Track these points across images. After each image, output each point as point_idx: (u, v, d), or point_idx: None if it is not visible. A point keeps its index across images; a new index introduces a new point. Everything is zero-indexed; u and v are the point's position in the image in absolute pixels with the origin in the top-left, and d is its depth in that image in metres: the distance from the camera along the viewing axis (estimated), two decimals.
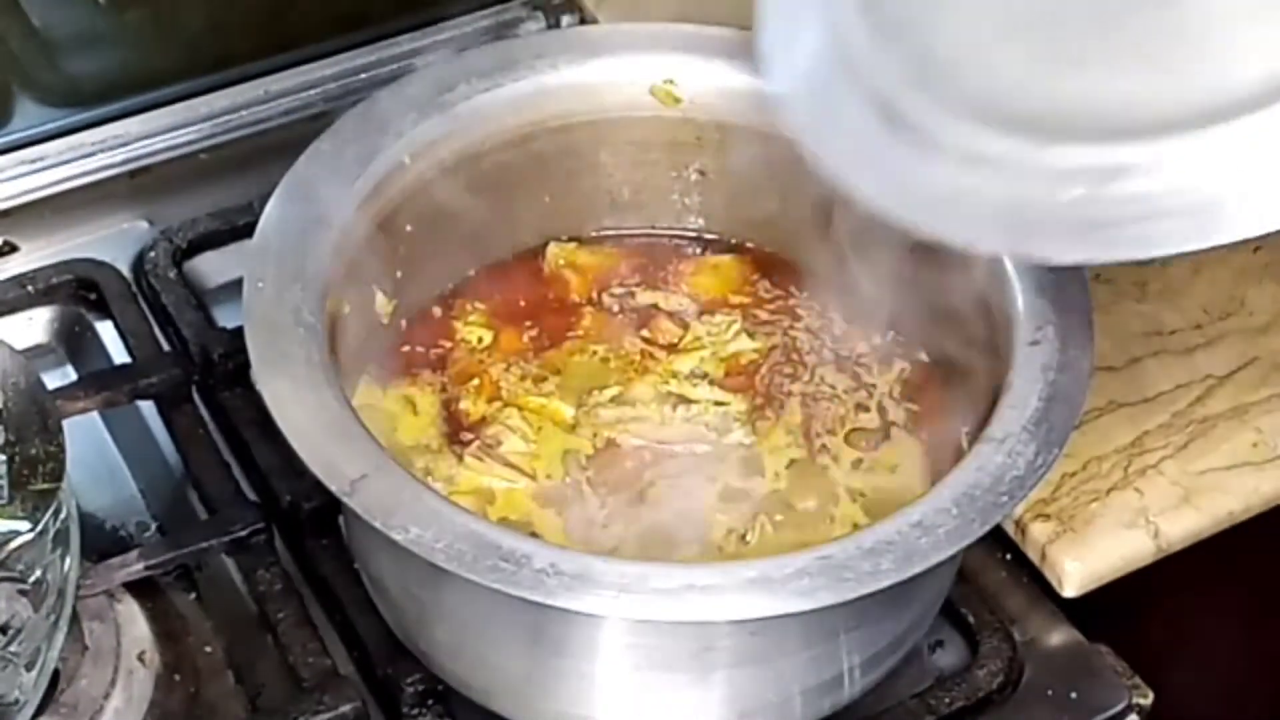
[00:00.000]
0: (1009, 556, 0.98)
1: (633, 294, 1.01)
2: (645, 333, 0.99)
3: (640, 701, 0.86)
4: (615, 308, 1.01)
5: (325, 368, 0.84)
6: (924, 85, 0.80)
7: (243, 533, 0.94)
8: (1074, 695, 0.93)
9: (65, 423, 0.96)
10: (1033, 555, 0.96)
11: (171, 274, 1.08)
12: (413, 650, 0.90)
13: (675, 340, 0.99)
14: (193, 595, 0.96)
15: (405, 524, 0.78)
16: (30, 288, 1.07)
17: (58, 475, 0.84)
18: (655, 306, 1.01)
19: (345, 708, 0.88)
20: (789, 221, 1.01)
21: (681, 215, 1.04)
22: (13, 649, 0.84)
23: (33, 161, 1.13)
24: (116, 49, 1.19)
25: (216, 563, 0.96)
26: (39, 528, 0.83)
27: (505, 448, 0.93)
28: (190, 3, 1.18)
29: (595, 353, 0.98)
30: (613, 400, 0.95)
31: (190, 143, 1.16)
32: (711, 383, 0.96)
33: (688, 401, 0.95)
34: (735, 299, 1.01)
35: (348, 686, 0.89)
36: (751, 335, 0.99)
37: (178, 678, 0.92)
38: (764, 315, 1.00)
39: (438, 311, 1.00)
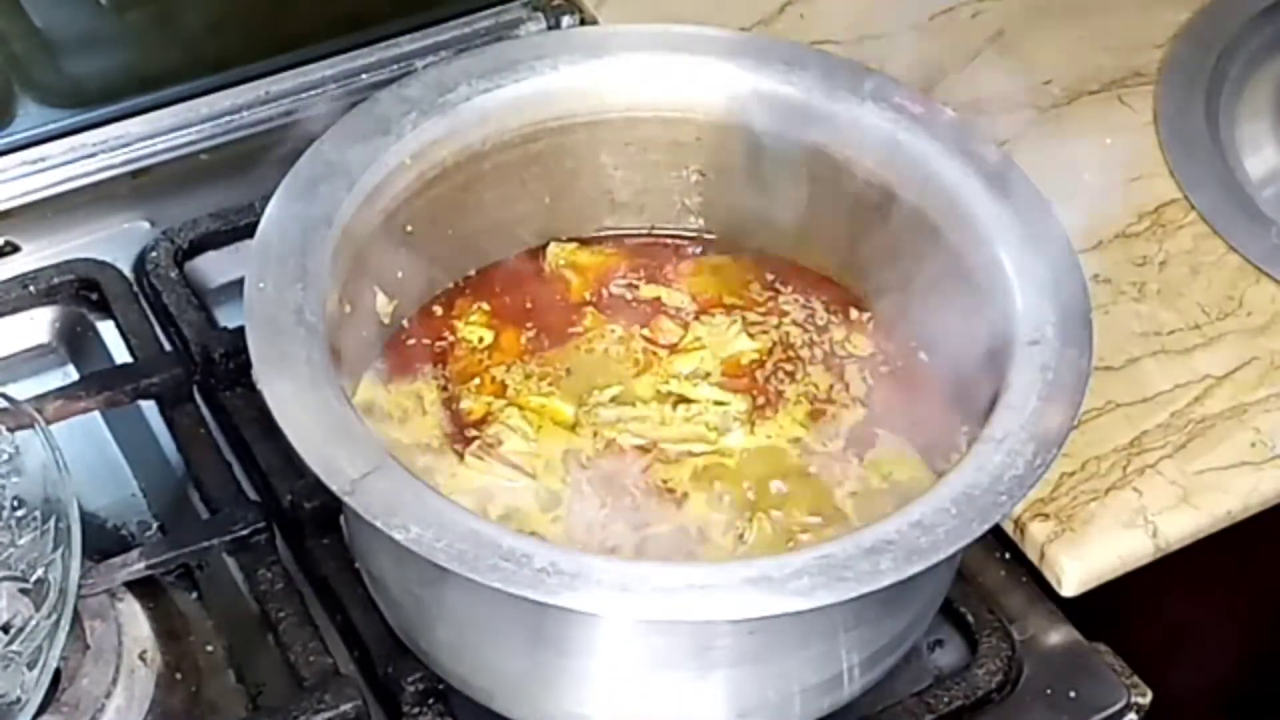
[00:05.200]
0: (1008, 556, 0.98)
1: (633, 293, 1.01)
2: (646, 332, 0.99)
3: (640, 700, 0.86)
4: (615, 307, 1.01)
5: (326, 367, 0.84)
6: None
7: (244, 532, 0.94)
8: (1073, 694, 0.93)
9: (67, 423, 0.97)
10: (1032, 554, 0.97)
11: (173, 274, 1.08)
12: (413, 649, 0.90)
13: (676, 340, 0.99)
14: (194, 594, 0.96)
15: (406, 523, 0.78)
16: (32, 288, 1.07)
17: None
18: (656, 305, 1.01)
19: (346, 707, 0.88)
20: (788, 222, 1.01)
21: (681, 215, 1.04)
22: (15, 648, 0.85)
23: (34, 162, 1.13)
24: (118, 50, 1.19)
25: (218, 562, 0.96)
26: None
27: (506, 447, 0.93)
28: (191, 4, 1.18)
29: (595, 351, 0.98)
30: (613, 400, 0.96)
31: (191, 143, 1.16)
32: (711, 383, 0.96)
33: (688, 401, 0.95)
34: (734, 299, 1.01)
35: (348, 685, 0.89)
36: (752, 336, 0.99)
37: (179, 676, 0.92)
38: (763, 315, 1.00)
39: (438, 311, 1.00)
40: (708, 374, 0.97)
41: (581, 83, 0.99)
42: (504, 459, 0.92)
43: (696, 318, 1.00)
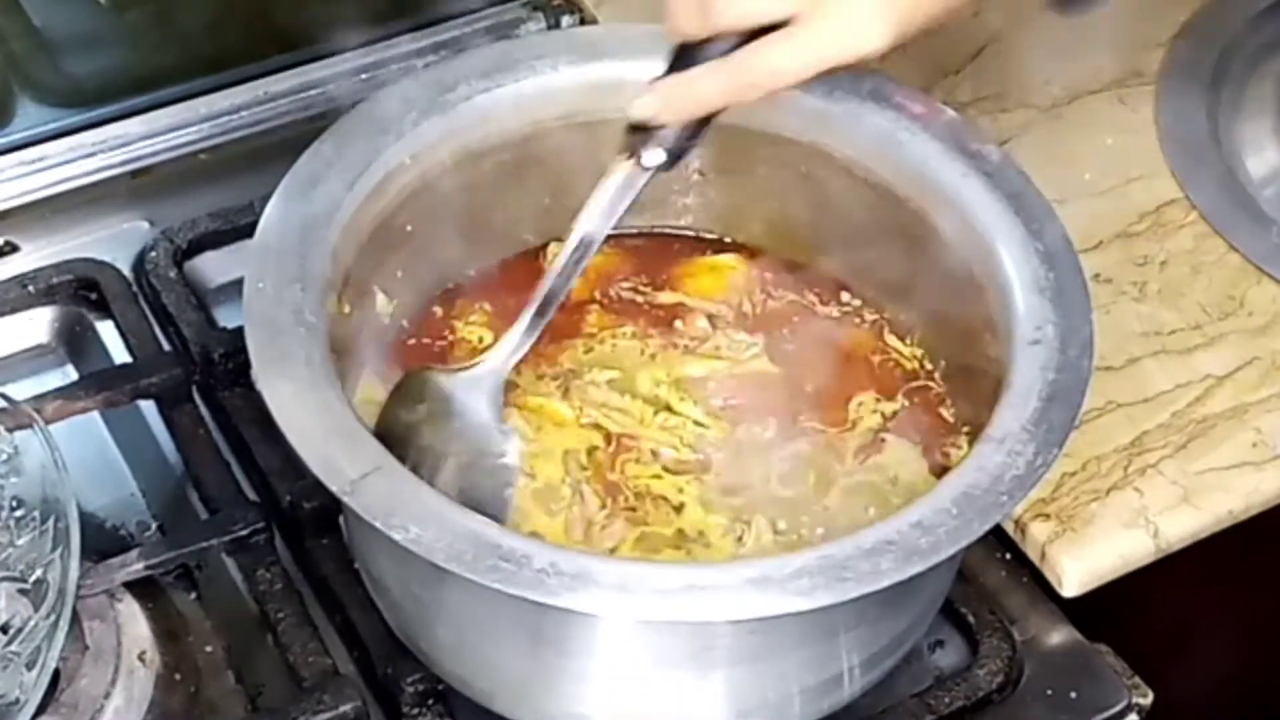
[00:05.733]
0: (1009, 556, 0.98)
1: (640, 293, 1.01)
2: (680, 324, 0.99)
3: (640, 701, 0.86)
4: (621, 306, 1.00)
5: (325, 367, 0.84)
6: None
7: (243, 532, 0.94)
8: (1074, 695, 0.93)
9: (66, 423, 0.97)
10: (1032, 555, 0.97)
11: (172, 274, 1.08)
12: (413, 650, 0.90)
13: (704, 337, 0.98)
14: (193, 595, 0.96)
15: (405, 523, 0.78)
16: (31, 288, 1.07)
17: None
18: (668, 309, 1.00)
19: (345, 707, 0.88)
20: (788, 222, 1.01)
21: (681, 215, 1.04)
22: (13, 648, 0.85)
23: (34, 162, 1.13)
24: (117, 49, 1.19)
25: (217, 562, 0.96)
26: None
27: None
28: (190, 3, 1.18)
29: (596, 350, 0.98)
30: (609, 383, 0.95)
31: (191, 143, 1.16)
32: (697, 402, 0.96)
33: (671, 411, 0.95)
34: (735, 300, 1.01)
35: (348, 686, 0.89)
36: (772, 359, 0.98)
37: (178, 677, 0.92)
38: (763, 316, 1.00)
39: (438, 311, 1.00)
40: (713, 386, 0.96)
41: (581, 83, 0.99)
42: None
43: (721, 327, 0.99)
